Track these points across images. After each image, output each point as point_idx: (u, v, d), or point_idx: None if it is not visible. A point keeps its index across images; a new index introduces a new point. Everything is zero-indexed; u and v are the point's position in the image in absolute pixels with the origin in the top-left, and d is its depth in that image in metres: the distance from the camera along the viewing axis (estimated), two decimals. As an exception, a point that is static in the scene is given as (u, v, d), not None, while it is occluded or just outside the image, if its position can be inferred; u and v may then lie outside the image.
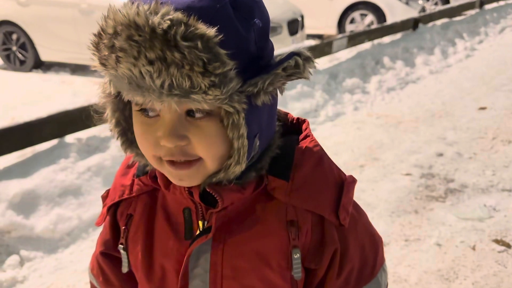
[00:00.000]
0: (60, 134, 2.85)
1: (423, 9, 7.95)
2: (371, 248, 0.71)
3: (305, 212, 0.65)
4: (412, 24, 6.52)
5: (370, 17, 7.51)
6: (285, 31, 5.50)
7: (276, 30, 5.44)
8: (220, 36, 0.49)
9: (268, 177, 0.64)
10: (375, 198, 2.76)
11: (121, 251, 0.73)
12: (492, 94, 4.60)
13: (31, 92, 4.98)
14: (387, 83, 4.88)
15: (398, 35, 6.20)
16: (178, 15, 0.49)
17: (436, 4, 9.32)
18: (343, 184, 0.67)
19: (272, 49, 0.61)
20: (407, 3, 7.68)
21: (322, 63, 4.99)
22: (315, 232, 0.66)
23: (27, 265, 2.20)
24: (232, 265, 0.65)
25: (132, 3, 0.50)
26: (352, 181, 0.69)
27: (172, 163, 0.57)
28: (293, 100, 4.08)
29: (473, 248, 2.31)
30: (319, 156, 0.67)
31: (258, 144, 0.59)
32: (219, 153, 0.57)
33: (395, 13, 7.30)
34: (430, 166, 3.14)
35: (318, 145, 0.68)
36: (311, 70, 0.58)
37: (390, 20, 7.00)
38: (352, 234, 0.68)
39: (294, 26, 5.70)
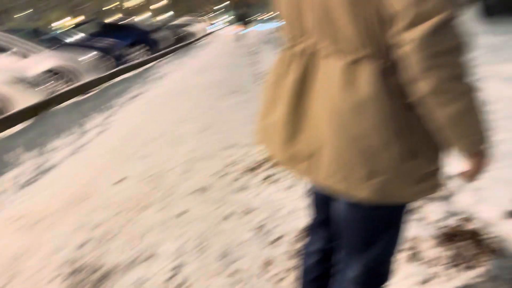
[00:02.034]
0: None
1: (52, 91, 7.98)
2: None
3: None
4: (41, 109, 6.40)
5: (-6, 107, 6.91)
6: None
7: None
8: None
9: None
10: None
11: None
12: (126, 164, 4.97)
13: None
14: (22, 178, 4.56)
15: (28, 122, 5.95)
16: None
17: (67, 82, 9.53)
18: None
19: None
20: (32, 87, 7.50)
21: None
22: None
23: None
24: None
25: None
26: None
27: None
28: None
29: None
30: None
31: None
32: None
33: (22, 99, 7.00)
34: (77, 259, 3.07)
35: None
36: None
37: (18, 107, 6.65)
38: None
39: None
